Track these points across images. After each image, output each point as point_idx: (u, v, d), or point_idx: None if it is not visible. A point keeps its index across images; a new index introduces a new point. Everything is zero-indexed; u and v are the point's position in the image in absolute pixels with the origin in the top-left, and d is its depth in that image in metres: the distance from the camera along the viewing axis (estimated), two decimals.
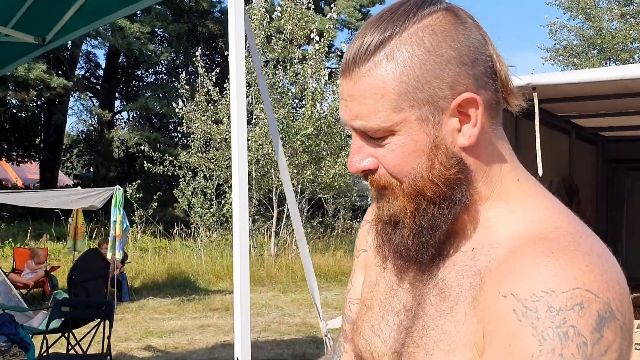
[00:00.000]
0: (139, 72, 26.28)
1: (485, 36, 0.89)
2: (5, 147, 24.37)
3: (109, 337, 5.19)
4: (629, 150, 6.60)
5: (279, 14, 14.93)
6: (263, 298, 10.89)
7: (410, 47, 0.84)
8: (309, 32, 14.41)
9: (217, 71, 15.58)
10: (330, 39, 15.05)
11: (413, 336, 0.92)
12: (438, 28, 0.85)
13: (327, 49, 15.01)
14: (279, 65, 14.19)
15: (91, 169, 27.36)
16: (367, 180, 0.92)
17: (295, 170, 13.71)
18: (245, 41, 2.08)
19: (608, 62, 21.70)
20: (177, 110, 15.16)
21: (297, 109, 15.64)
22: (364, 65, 0.85)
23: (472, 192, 0.90)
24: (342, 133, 14.58)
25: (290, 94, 14.20)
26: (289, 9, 14.46)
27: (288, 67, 14.28)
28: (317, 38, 14.33)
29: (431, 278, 0.93)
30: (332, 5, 16.64)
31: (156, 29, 21.34)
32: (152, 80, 25.82)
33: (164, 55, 21.49)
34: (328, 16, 15.63)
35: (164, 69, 25.20)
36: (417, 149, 0.86)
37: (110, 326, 5.22)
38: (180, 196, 14.95)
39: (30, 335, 5.92)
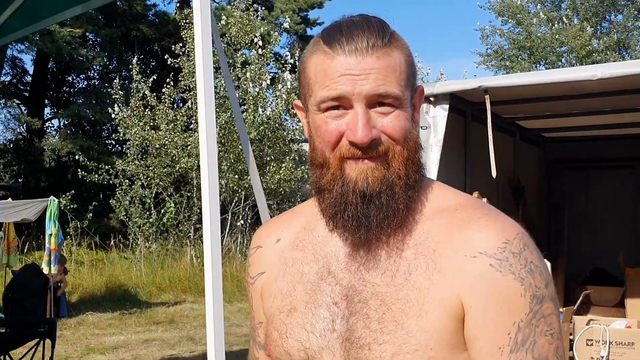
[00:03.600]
0: (69, 78, 25.28)
1: None
2: None
3: (51, 358, 4.90)
4: (570, 151, 6.80)
5: (225, 19, 14.75)
6: None
7: (407, 46, 1.10)
8: (253, 37, 14.27)
9: (155, 77, 15.19)
10: (274, 43, 14.94)
11: (370, 316, 1.02)
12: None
13: (272, 55, 14.92)
14: (220, 70, 13.96)
15: (20, 180, 26.13)
16: (367, 150, 1.03)
17: (237, 177, 13.49)
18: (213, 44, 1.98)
19: (537, 65, 22.52)
20: (113, 116, 14.66)
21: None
22: (386, 48, 1.05)
23: None
24: (286, 138, 14.45)
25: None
26: (235, 14, 14.33)
27: (230, 71, 14.07)
28: (260, 43, 14.18)
29: (368, 262, 1.05)
30: (270, 3, 16.53)
31: (87, 33, 20.58)
32: (83, 86, 24.88)
33: (96, 60, 20.74)
34: (266, 20, 15.51)
35: (96, 74, 24.36)
36: (409, 120, 1.07)
37: (53, 346, 4.93)
38: (117, 206, 14.43)
39: None
